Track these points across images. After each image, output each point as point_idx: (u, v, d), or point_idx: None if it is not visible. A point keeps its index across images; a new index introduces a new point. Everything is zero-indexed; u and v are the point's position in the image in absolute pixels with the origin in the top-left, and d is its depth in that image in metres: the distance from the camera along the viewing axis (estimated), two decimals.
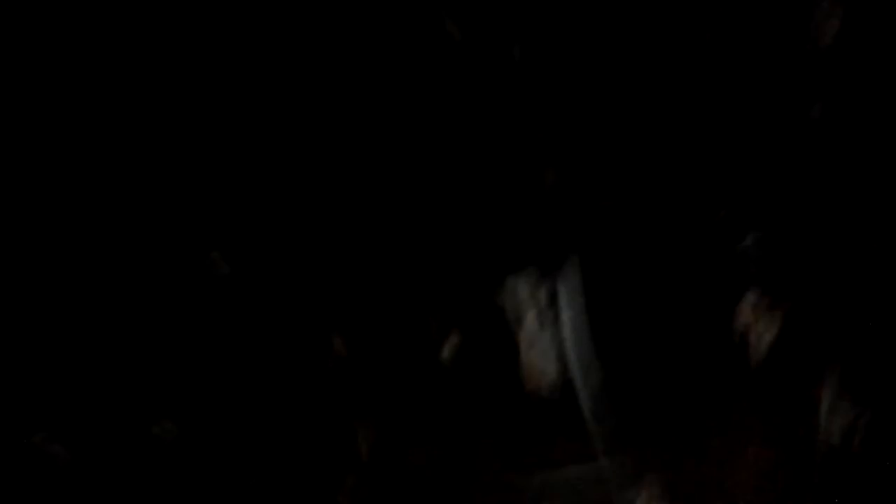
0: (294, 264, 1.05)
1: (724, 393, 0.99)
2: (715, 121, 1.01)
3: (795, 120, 0.98)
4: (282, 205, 1.06)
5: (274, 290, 1.05)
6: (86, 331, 1.01)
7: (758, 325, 0.98)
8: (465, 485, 1.03)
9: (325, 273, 1.05)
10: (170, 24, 1.03)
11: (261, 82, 1.04)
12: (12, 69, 1.02)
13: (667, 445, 1.00)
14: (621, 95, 1.03)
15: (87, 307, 1.02)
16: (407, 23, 1.00)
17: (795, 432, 0.97)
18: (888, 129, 0.97)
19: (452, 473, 1.01)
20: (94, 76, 1.04)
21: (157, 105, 1.04)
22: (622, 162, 1.03)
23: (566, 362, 0.99)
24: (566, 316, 0.99)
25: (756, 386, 0.98)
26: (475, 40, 0.99)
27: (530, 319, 0.99)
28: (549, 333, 0.99)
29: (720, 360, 0.98)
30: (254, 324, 1.04)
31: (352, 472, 0.99)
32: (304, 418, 1.03)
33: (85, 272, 1.03)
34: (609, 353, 1.00)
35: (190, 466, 1.00)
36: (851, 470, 0.94)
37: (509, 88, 1.02)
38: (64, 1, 1.03)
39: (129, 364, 1.01)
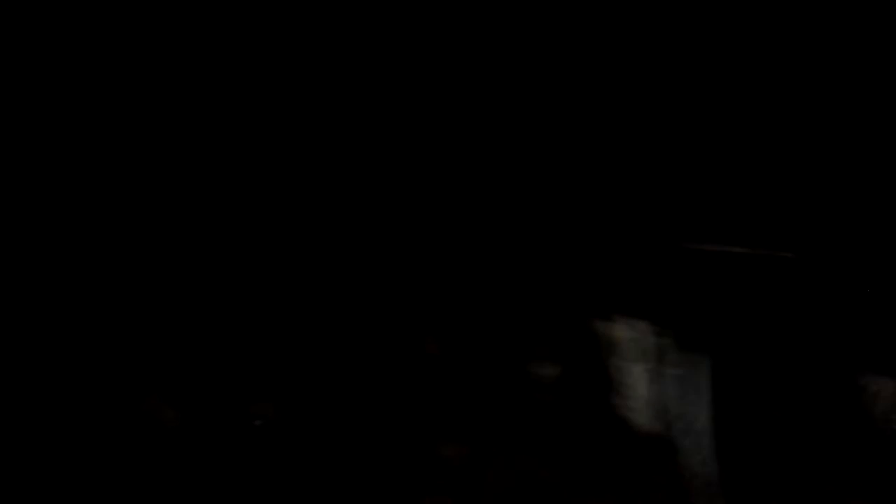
0: (398, 268, 1.04)
1: (838, 465, 0.95)
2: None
3: None
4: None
5: (374, 290, 1.05)
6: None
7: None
8: None
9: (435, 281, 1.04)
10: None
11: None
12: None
13: None
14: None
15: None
16: None
17: None
18: None
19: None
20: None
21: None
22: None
23: (665, 411, 0.97)
24: (674, 367, 0.96)
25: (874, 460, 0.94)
26: None
27: (633, 360, 0.97)
28: (646, 377, 0.96)
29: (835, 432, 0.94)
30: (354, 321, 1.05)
31: (435, 481, 1.01)
32: (393, 422, 1.05)
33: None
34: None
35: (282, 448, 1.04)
36: None
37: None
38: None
39: (235, 350, 1.04)
